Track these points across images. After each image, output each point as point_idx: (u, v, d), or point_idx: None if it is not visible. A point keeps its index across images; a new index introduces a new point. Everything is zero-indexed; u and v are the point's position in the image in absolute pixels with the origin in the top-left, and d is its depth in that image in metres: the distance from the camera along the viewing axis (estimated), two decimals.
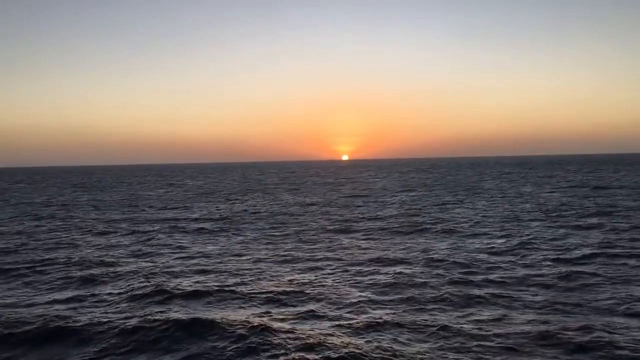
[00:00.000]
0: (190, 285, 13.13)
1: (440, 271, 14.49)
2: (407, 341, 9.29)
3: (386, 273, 14.37)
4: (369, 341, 9.24)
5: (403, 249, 17.90)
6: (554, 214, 26.25)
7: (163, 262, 16.57)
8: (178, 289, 12.69)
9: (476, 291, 12.36)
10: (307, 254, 17.46)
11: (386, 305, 11.48)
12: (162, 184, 73.73)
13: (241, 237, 21.53)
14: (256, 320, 10.18)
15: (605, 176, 62.32)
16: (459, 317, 10.54)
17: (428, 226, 23.05)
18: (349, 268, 15.17)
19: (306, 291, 12.63)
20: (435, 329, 9.81)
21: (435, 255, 16.55)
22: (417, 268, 14.91)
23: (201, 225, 25.39)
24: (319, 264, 15.94)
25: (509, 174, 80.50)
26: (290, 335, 9.45)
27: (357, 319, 10.48)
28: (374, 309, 11.14)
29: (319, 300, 11.92)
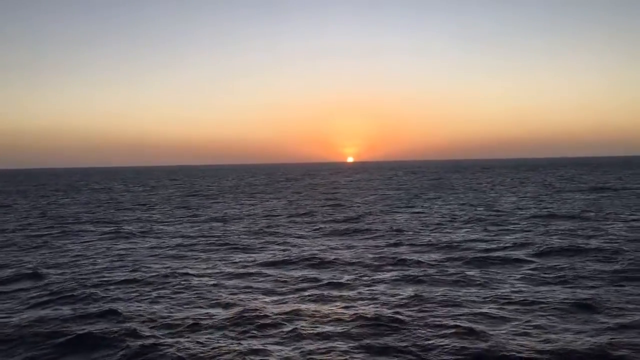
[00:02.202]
0: (46, 287, 13.39)
1: (315, 272, 14.99)
2: (250, 334, 9.84)
3: (261, 274, 14.72)
4: (206, 340, 9.55)
5: (300, 252, 18.03)
6: (493, 218, 26.24)
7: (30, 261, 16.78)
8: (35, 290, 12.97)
9: (326, 293, 12.61)
10: (203, 256, 17.76)
11: (242, 302, 11.85)
12: (142, 189, 74.17)
13: (147, 242, 21.35)
14: (106, 315, 10.82)
15: (586, 180, 61.85)
16: (301, 313, 11.00)
17: (352, 230, 23.18)
18: (228, 269, 15.50)
19: (168, 289, 13.03)
20: (279, 321, 10.45)
21: (329, 256, 16.91)
22: (295, 270, 15.30)
23: (125, 228, 25.61)
24: (202, 264, 16.23)
25: (495, 177, 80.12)
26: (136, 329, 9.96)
27: (214, 316, 10.90)
28: (232, 306, 11.49)
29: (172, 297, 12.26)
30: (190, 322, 10.53)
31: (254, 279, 14.35)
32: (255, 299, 12.20)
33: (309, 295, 12.45)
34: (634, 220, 23.97)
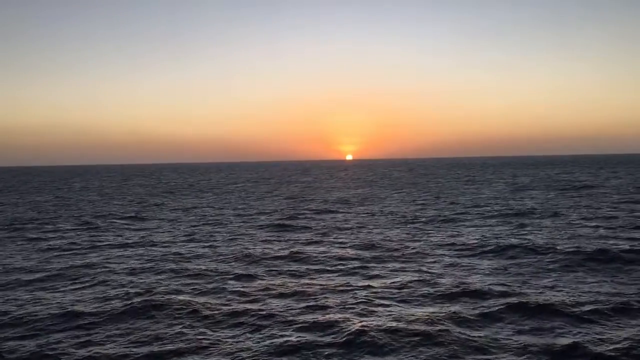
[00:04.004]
0: None
1: (212, 266, 15.13)
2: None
3: (152, 270, 14.68)
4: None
5: (214, 249, 17.98)
6: (438, 217, 26.10)
7: None
8: None
9: (204, 286, 12.52)
10: (105, 255, 17.67)
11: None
12: (113, 185, 74.08)
13: (61, 241, 20.95)
14: None
15: (562, 178, 61.63)
16: (165, 307, 10.88)
17: (285, 227, 23.19)
18: (121, 266, 15.40)
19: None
20: (141, 318, 10.52)
21: (238, 252, 16.80)
22: (194, 265, 15.15)
23: (55, 228, 25.42)
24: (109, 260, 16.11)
25: (480, 175, 79.90)
26: None
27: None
28: (93, 303, 11.34)
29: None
30: (47, 321, 10.40)
31: (142, 273, 14.34)
32: (133, 294, 12.04)
33: (184, 290, 12.40)
34: (573, 220, 23.67)
